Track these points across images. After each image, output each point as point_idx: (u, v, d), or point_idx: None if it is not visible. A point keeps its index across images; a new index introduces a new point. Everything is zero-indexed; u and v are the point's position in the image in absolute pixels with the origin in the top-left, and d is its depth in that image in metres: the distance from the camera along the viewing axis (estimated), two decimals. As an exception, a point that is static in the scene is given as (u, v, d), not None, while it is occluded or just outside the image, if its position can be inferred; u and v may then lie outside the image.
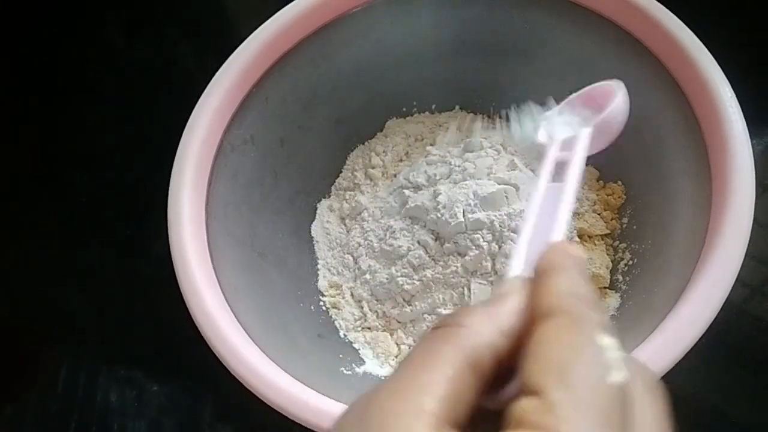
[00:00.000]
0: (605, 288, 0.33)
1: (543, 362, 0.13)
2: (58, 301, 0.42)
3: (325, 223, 0.38)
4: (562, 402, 0.12)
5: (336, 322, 0.35)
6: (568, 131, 0.23)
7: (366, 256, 0.36)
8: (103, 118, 0.50)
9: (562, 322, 0.14)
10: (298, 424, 0.25)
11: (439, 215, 0.33)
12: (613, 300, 0.32)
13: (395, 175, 0.39)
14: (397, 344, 0.34)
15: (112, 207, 0.45)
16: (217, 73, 0.33)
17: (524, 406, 0.13)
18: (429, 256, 0.33)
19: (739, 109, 0.28)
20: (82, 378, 0.39)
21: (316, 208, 0.39)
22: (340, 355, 0.33)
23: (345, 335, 0.35)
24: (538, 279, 0.16)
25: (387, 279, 0.34)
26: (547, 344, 0.14)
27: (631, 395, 0.13)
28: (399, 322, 0.34)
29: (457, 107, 0.41)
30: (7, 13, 0.55)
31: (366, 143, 0.41)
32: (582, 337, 0.14)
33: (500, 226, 0.32)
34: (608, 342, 0.14)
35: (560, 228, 0.18)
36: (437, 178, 0.35)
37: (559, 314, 0.14)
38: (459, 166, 0.34)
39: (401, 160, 0.39)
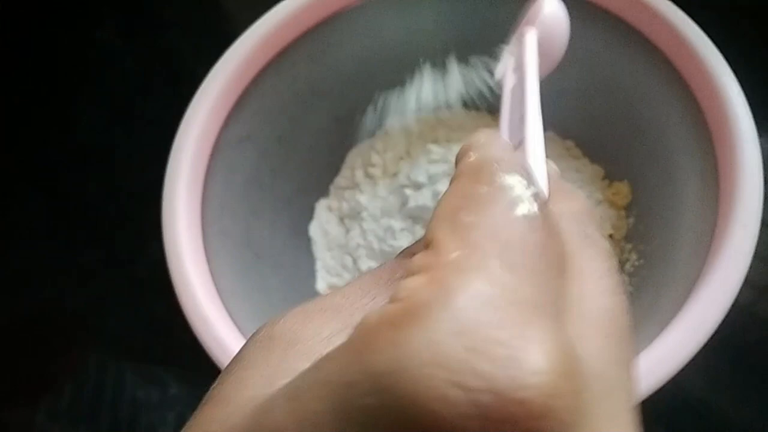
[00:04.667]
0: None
1: (436, 214, 0.11)
2: (57, 302, 0.42)
3: (324, 223, 0.38)
4: (446, 239, 0.10)
5: (335, 324, 0.35)
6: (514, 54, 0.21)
7: (366, 257, 0.35)
8: (99, 118, 0.49)
9: (464, 175, 0.12)
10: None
11: (439, 215, 0.32)
12: (618, 301, 0.32)
13: (395, 174, 0.38)
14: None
15: (109, 207, 0.45)
16: (213, 70, 0.32)
17: (413, 260, 0.10)
18: (429, 257, 0.33)
19: (747, 106, 0.27)
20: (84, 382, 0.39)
21: (314, 208, 0.38)
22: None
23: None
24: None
25: (387, 280, 0.33)
26: (443, 197, 0.12)
27: (558, 240, 0.11)
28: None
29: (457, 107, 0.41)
30: (6, 12, 0.54)
31: (365, 141, 0.40)
32: (478, 182, 0.11)
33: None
34: (513, 180, 0.11)
35: (532, 117, 0.16)
36: (438, 176, 0.34)
37: (463, 169, 0.12)
38: (460, 165, 0.34)
39: (401, 159, 0.39)
